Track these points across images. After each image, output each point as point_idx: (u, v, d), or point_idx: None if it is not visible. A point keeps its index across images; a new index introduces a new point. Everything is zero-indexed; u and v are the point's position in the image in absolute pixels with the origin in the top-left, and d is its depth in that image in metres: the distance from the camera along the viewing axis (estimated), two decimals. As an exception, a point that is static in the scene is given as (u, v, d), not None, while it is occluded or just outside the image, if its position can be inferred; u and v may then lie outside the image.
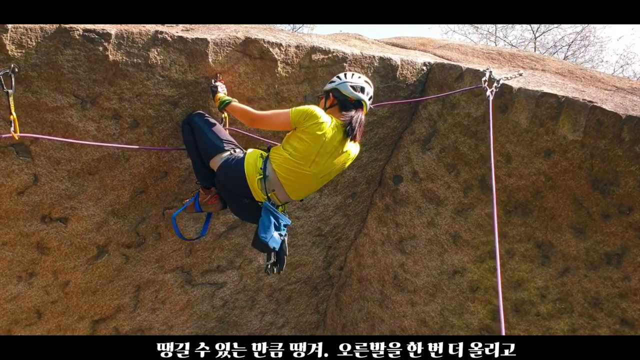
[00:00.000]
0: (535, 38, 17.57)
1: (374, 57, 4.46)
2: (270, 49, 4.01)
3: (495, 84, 4.16)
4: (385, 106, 4.60)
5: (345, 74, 3.60)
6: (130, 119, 3.82)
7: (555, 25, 16.91)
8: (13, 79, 3.31)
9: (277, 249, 3.40)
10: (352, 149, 3.55)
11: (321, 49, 4.22)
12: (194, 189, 4.15)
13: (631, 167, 3.77)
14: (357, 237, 5.58)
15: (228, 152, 3.58)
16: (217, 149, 3.60)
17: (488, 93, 4.07)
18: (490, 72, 4.27)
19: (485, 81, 4.20)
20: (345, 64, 4.32)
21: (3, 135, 3.33)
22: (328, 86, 3.62)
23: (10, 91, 3.28)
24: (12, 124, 3.27)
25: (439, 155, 4.72)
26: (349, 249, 5.66)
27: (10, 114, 3.29)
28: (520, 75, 4.56)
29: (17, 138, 3.31)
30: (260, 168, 3.40)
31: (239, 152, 3.62)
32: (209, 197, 3.87)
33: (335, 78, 3.63)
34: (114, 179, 4.05)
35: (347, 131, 3.39)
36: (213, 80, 3.83)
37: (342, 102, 3.48)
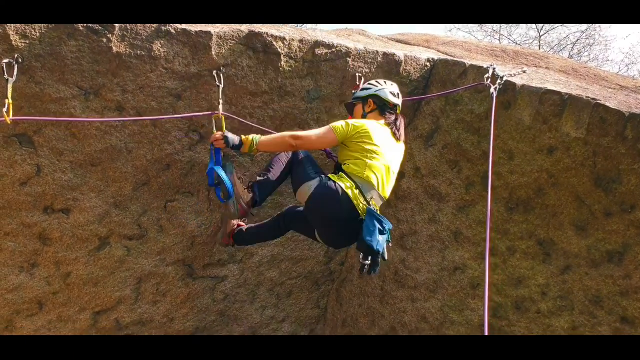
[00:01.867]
0: (540, 36, 17.52)
1: (377, 52, 4.45)
2: (274, 43, 4.01)
3: (498, 81, 4.15)
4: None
5: (378, 81, 3.80)
6: (134, 111, 3.83)
7: (560, 24, 16.84)
8: (16, 69, 3.29)
9: (381, 252, 3.33)
10: (402, 147, 3.72)
11: (325, 43, 4.22)
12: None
13: (634, 165, 3.77)
14: (358, 232, 5.58)
15: (318, 179, 3.48)
16: (308, 177, 3.50)
17: (492, 90, 4.06)
18: (494, 68, 4.25)
19: (488, 78, 4.19)
20: (349, 59, 4.32)
21: None
22: (364, 93, 3.76)
23: (10, 79, 3.24)
24: (7, 109, 3.11)
25: (441, 152, 4.71)
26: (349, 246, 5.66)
27: (7, 98, 3.17)
28: (524, 72, 4.55)
29: (9, 122, 3.13)
30: (351, 183, 3.38)
31: (325, 179, 3.49)
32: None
33: (369, 85, 3.79)
34: (116, 170, 4.06)
35: (395, 134, 3.61)
36: (218, 134, 3.49)
37: (381, 107, 3.70)
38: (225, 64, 3.90)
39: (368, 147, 3.40)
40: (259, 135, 3.42)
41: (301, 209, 3.68)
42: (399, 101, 3.77)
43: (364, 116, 3.70)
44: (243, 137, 3.40)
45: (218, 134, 3.44)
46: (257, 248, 5.11)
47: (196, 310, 5.23)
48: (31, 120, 3.61)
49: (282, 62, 4.11)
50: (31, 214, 4.00)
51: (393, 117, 3.68)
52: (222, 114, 3.61)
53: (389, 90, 3.74)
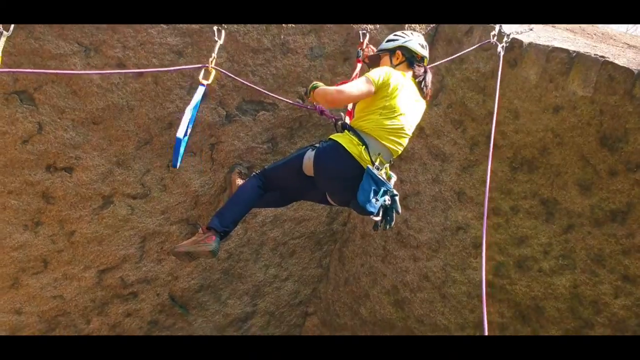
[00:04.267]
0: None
1: (382, 8, 4.36)
2: (277, -2, 3.92)
3: (505, 39, 4.08)
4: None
5: (404, 32, 3.68)
6: (135, 68, 3.77)
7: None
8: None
9: (374, 214, 3.30)
10: (422, 106, 3.64)
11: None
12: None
13: (641, 124, 3.73)
14: (361, 192, 5.58)
15: (311, 147, 3.50)
16: (303, 151, 3.54)
17: (499, 49, 3.99)
18: (500, 26, 4.17)
19: (494, 35, 4.11)
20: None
21: None
22: (391, 44, 3.64)
23: (5, 32, 3.13)
24: None
25: (446, 111, 4.67)
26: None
27: None
28: (531, 30, 4.46)
29: None
30: (357, 140, 3.34)
31: (322, 143, 3.50)
32: (205, 236, 3.48)
33: (395, 36, 3.66)
34: (118, 129, 4.03)
35: (422, 87, 3.56)
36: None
37: (409, 59, 3.59)
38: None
39: (388, 103, 3.33)
40: (320, 85, 3.45)
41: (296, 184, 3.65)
42: (426, 53, 3.67)
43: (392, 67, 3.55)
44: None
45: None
46: (260, 209, 5.12)
47: (200, 269, 5.27)
48: (19, 72, 3.51)
49: (285, 18, 4.03)
50: (34, 172, 3.99)
51: (422, 70, 3.59)
52: (212, 67, 3.48)
53: (417, 41, 3.62)
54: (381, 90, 3.33)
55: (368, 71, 3.53)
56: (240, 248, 5.37)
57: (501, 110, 4.15)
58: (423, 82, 3.56)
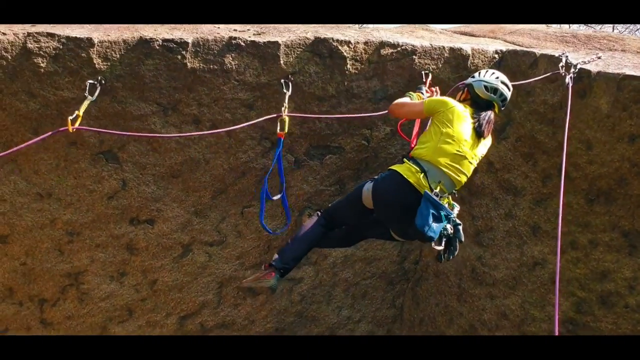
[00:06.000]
0: (612, 16, 16.61)
1: (443, 47, 4.41)
2: (339, 47, 4.06)
3: (572, 69, 4.02)
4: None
5: (482, 72, 3.65)
6: (209, 123, 3.98)
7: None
8: (98, 89, 3.40)
9: (434, 239, 3.26)
10: (486, 142, 3.60)
11: (390, 43, 4.23)
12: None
13: None
14: (431, 230, 5.53)
15: (370, 179, 3.56)
16: (363, 184, 3.59)
17: (567, 79, 3.93)
18: (567, 56, 4.12)
19: (562, 67, 4.06)
20: (414, 57, 4.31)
21: (61, 129, 3.00)
22: (467, 81, 3.70)
23: (90, 97, 3.31)
24: (73, 118, 2.99)
25: (514, 145, 4.61)
26: (423, 243, 5.62)
27: (78, 111, 3.09)
28: (599, 58, 4.38)
29: (72, 130, 3.00)
30: (416, 168, 3.35)
31: (380, 175, 3.54)
32: (265, 272, 3.55)
33: (475, 74, 3.68)
34: (195, 181, 4.24)
35: (477, 129, 3.45)
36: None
37: (473, 98, 3.59)
38: (293, 71, 3.98)
39: (445, 130, 3.34)
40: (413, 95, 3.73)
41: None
42: (494, 97, 3.52)
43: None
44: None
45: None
46: (330, 250, 5.18)
47: (275, 312, 5.36)
48: (95, 131, 3.69)
49: (348, 65, 4.15)
50: (119, 225, 4.24)
51: (480, 113, 3.47)
52: (285, 115, 3.62)
53: (485, 83, 3.53)
54: (438, 116, 3.37)
55: None
56: (313, 290, 5.42)
57: (573, 141, 4.06)
58: (477, 124, 3.42)
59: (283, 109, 3.56)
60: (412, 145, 3.89)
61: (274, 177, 3.87)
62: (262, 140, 4.24)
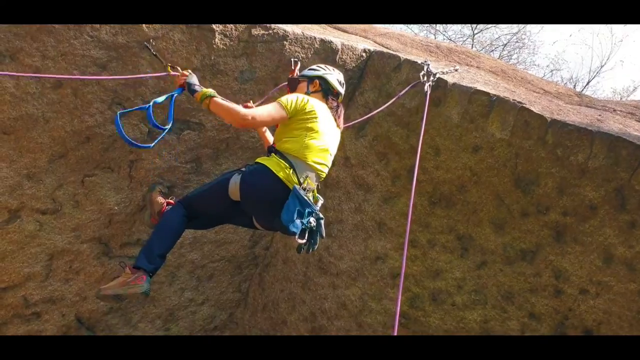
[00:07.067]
0: (474, 35, 17.97)
1: (315, 38, 4.41)
2: (209, 19, 3.87)
3: (432, 78, 4.22)
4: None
5: (327, 67, 3.75)
6: (53, 79, 3.59)
7: (493, 24, 17.35)
8: None
9: (296, 234, 3.23)
10: (339, 133, 3.69)
11: (262, 24, 4.12)
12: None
13: (552, 169, 3.95)
14: (284, 218, 5.54)
15: (237, 171, 3.42)
16: (228, 175, 3.45)
17: (426, 87, 4.12)
18: (428, 65, 4.32)
19: (423, 75, 4.25)
20: (285, 42, 4.25)
21: None
22: (311, 72, 3.67)
23: None
24: None
25: (371, 143, 4.75)
26: (276, 229, 5.63)
27: None
28: (456, 70, 4.65)
29: None
30: (285, 163, 3.31)
31: (248, 168, 3.43)
32: (134, 276, 3.27)
33: (318, 68, 3.71)
34: (31, 140, 3.81)
35: (335, 121, 3.59)
36: (171, 69, 3.41)
37: (325, 91, 3.65)
38: (156, 36, 3.73)
39: (310, 125, 3.35)
40: (215, 93, 3.21)
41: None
42: (342, 90, 3.75)
43: (307, 94, 3.59)
44: (201, 88, 3.24)
45: (187, 71, 3.34)
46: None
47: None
48: None
49: (217, 40, 3.98)
50: None
51: (335, 104, 3.66)
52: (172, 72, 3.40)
53: (336, 77, 3.71)
54: (299, 113, 3.36)
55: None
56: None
57: (423, 146, 4.26)
58: (335, 114, 3.61)
59: (168, 66, 3.37)
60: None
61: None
62: (112, 105, 3.92)
